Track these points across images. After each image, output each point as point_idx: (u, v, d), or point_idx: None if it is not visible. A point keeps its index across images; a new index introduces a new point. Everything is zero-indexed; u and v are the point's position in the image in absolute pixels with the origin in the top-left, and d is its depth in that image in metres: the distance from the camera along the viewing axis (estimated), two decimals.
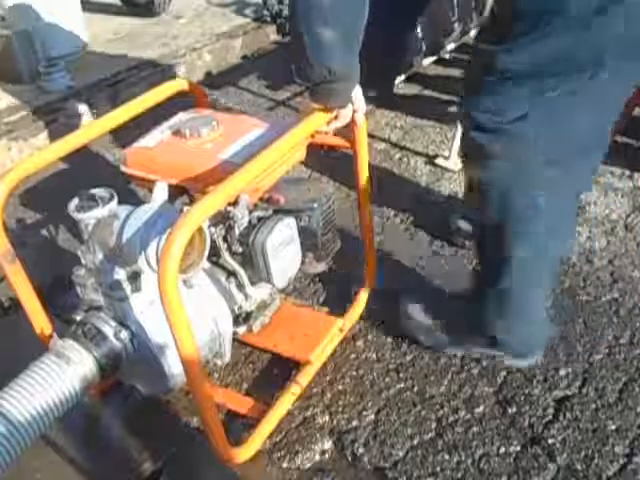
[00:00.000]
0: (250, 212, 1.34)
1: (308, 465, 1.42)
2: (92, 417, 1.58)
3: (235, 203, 1.29)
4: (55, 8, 3.07)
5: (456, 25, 3.15)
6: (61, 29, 3.10)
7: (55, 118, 2.85)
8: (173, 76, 3.30)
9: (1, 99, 2.95)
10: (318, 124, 1.36)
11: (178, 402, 1.57)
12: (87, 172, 2.44)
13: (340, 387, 1.60)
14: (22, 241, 2.09)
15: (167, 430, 1.53)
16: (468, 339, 1.62)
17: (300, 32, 1.21)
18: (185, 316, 1.09)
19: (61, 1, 3.10)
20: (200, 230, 1.17)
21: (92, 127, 1.45)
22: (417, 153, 2.57)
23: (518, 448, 1.42)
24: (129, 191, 1.47)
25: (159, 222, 1.17)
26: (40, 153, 1.37)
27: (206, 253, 1.21)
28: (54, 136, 2.75)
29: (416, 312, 1.67)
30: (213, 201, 1.11)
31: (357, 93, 1.38)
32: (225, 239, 1.35)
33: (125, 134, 1.52)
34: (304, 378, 1.54)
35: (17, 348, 1.66)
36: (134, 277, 1.25)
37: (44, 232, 2.24)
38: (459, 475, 1.38)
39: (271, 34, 3.92)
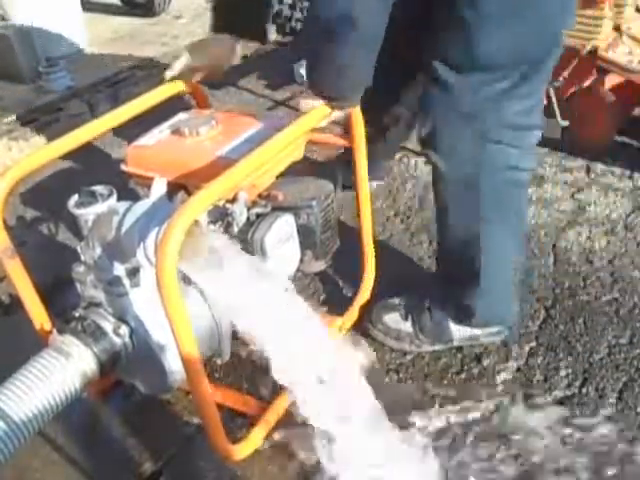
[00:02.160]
0: (249, 209, 1.34)
1: (308, 464, 1.42)
2: (92, 417, 1.57)
3: (234, 200, 1.30)
4: (55, 8, 3.08)
5: None
6: (61, 29, 3.10)
7: (56, 118, 2.85)
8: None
9: (1, 99, 2.95)
10: (315, 121, 1.36)
11: (178, 402, 1.57)
12: (87, 171, 2.44)
13: None
14: (22, 240, 2.09)
15: (167, 430, 1.52)
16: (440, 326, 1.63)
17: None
18: (183, 308, 1.09)
19: (61, 1, 3.10)
20: (198, 225, 1.17)
21: (92, 126, 1.46)
22: (417, 153, 2.56)
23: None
24: (129, 190, 1.48)
25: (157, 215, 1.17)
26: (40, 151, 1.38)
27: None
28: (55, 136, 2.75)
29: (392, 321, 1.67)
30: (210, 193, 1.12)
31: None
32: None
33: (125, 133, 1.53)
34: None
35: (18, 347, 1.65)
36: (133, 273, 1.25)
37: (45, 231, 2.24)
38: None
39: (271, 34, 3.92)
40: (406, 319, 1.66)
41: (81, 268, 1.31)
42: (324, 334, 1.12)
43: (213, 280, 1.10)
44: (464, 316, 1.60)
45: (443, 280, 1.67)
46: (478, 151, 1.37)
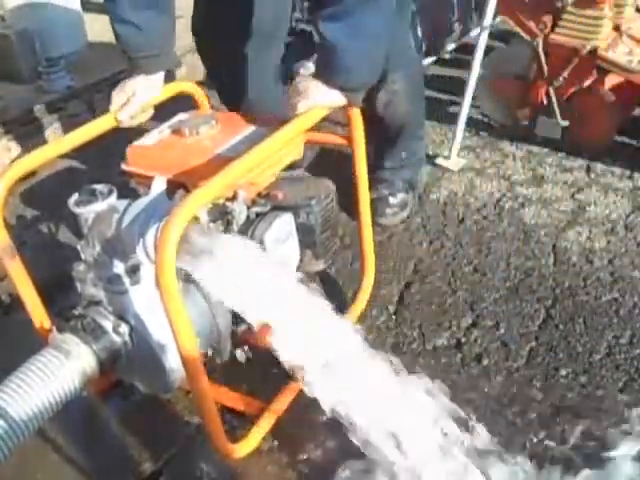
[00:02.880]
0: (248, 208, 1.34)
1: (309, 464, 1.42)
2: (92, 417, 1.57)
3: (233, 198, 1.30)
4: (55, 8, 3.07)
5: (456, 25, 3.16)
6: (61, 29, 3.10)
7: (56, 118, 2.85)
8: (174, 76, 3.30)
9: (1, 99, 2.95)
10: (313, 121, 1.37)
11: (178, 402, 1.57)
12: (87, 171, 2.44)
13: None
14: (22, 240, 2.09)
15: (167, 430, 1.52)
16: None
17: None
18: (182, 303, 1.09)
19: (61, 1, 3.10)
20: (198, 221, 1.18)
21: (92, 126, 1.46)
22: None
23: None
24: (129, 189, 1.49)
25: (157, 212, 1.17)
26: (40, 151, 1.38)
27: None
28: (54, 136, 2.75)
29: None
30: (208, 190, 1.13)
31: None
32: None
33: (126, 133, 1.54)
34: None
35: (18, 347, 1.65)
36: (133, 270, 1.25)
37: (45, 230, 2.24)
38: None
39: None
40: (395, 196, 2.17)
41: (81, 267, 1.31)
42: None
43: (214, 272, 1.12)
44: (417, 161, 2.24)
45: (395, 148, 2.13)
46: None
